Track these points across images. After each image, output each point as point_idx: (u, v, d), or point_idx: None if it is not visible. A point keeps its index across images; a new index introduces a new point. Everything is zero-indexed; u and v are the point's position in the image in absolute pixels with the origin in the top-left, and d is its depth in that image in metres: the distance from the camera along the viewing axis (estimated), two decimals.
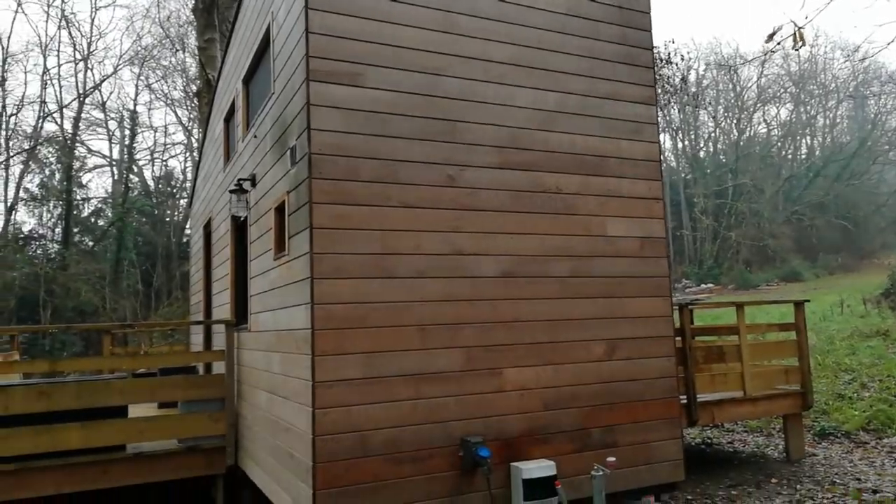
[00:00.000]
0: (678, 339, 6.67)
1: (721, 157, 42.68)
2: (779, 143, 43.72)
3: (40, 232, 29.84)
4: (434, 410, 4.05)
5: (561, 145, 4.67)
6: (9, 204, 28.30)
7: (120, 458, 5.53)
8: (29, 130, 29.22)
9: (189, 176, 32.47)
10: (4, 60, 31.57)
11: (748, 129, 42.91)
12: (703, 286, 32.75)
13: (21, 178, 28.75)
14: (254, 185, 5.54)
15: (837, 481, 6.66)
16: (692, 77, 38.42)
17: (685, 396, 6.65)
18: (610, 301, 4.73)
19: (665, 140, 41.62)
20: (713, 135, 43.35)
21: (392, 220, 4.10)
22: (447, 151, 4.31)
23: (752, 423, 9.38)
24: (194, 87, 28.11)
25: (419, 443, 3.99)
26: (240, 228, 6.51)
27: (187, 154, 32.77)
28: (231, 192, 5.70)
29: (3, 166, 27.75)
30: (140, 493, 5.93)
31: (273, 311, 4.76)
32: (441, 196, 4.27)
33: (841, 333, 13.92)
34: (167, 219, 31.80)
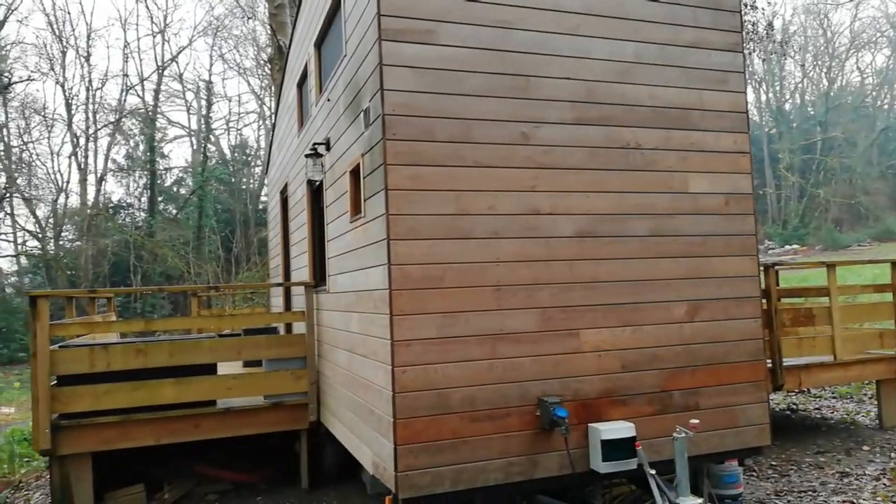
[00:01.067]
0: (763, 301, 6.38)
1: (809, 109, 40.07)
2: (874, 93, 40.59)
3: (128, 201, 31.58)
4: (510, 370, 4.05)
5: (639, 98, 4.47)
6: (99, 175, 30.00)
7: (211, 413, 5.86)
8: (113, 104, 30.75)
9: (262, 144, 33.37)
10: (89, 36, 33.14)
11: (839, 78, 40.04)
12: (787, 247, 31.21)
13: (108, 149, 30.34)
14: (328, 148, 5.61)
15: None
16: (777, 24, 35.98)
17: (770, 360, 6.41)
18: (693, 261, 4.56)
19: (748, 92, 39.40)
20: (800, 85, 40.72)
21: (466, 181, 4.06)
22: (521, 108, 4.21)
23: (841, 389, 8.97)
24: (265, 56, 28.66)
25: (496, 402, 4.01)
26: (315, 192, 6.64)
27: (260, 122, 33.65)
28: (306, 156, 5.80)
29: (92, 139, 29.35)
30: (229, 446, 6.27)
31: (350, 273, 4.85)
32: (515, 154, 4.19)
33: None
34: (243, 187, 32.92)
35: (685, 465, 3.71)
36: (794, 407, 8.53)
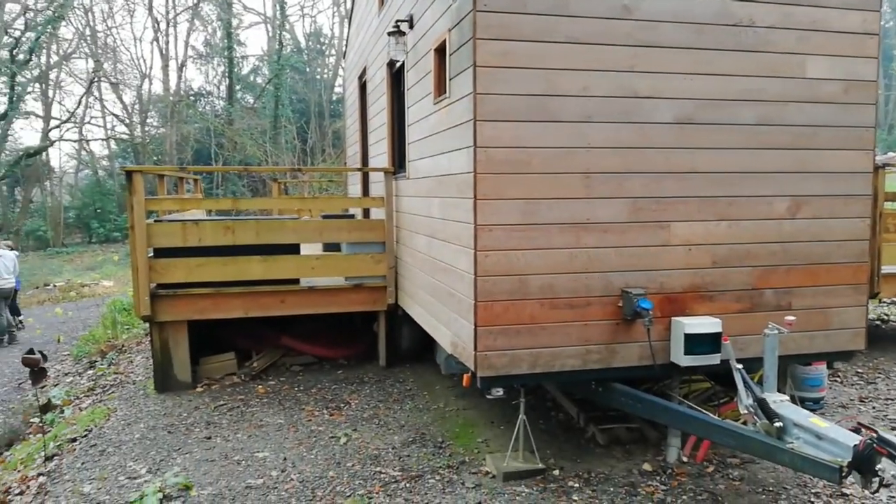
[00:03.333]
0: None
1: None
2: None
3: (207, 89, 32.15)
4: (594, 260, 3.96)
5: None
6: (180, 62, 30.47)
7: (295, 290, 6.12)
8: None
9: (336, 33, 32.78)
10: None
11: None
12: (890, 154, 28.79)
13: (188, 35, 30.57)
14: (411, 26, 5.37)
15: None
16: None
17: (869, 267, 6.04)
18: (801, 153, 4.21)
19: None
20: None
21: (559, 58, 3.81)
22: None
23: None
24: None
25: (577, 290, 3.95)
26: (396, 75, 6.47)
27: (334, 10, 32.87)
28: (389, 34, 5.59)
29: (172, 24, 29.58)
30: (313, 324, 6.59)
31: (433, 157, 4.77)
32: (615, 30, 3.87)
33: None
34: (318, 77, 32.78)
35: (774, 363, 3.60)
36: (886, 317, 8.14)
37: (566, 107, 3.85)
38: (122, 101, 29.86)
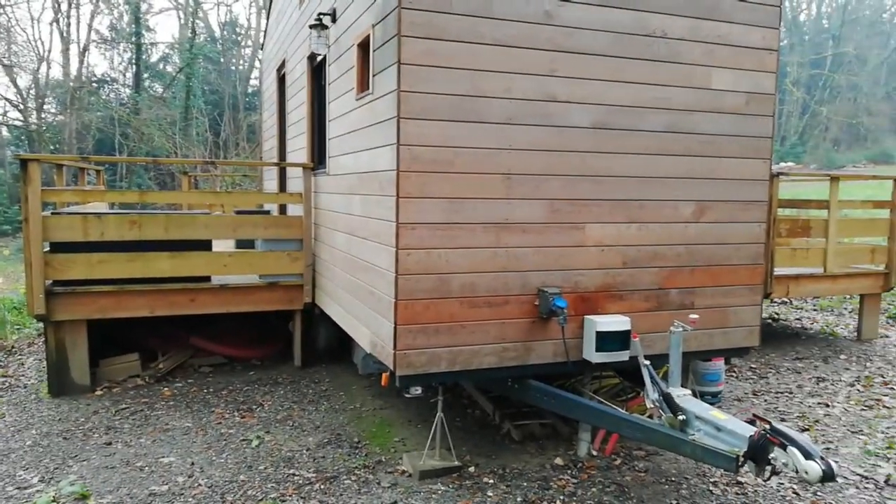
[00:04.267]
0: None
1: (824, 21, 38.60)
2: (893, 8, 39.04)
3: (112, 76, 30.37)
4: (513, 260, 4.03)
5: None
6: (82, 46, 28.61)
7: (206, 288, 5.87)
8: None
9: (253, 24, 31.79)
10: None
11: None
12: (782, 164, 31.05)
13: (91, 18, 28.78)
14: (334, 20, 5.28)
15: None
16: None
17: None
18: (706, 160, 4.45)
19: None
20: None
21: (483, 59, 3.85)
22: None
23: (822, 302, 9.20)
24: None
25: (496, 289, 4.01)
26: (317, 69, 6.34)
27: (252, 0, 31.85)
28: (311, 27, 5.47)
29: (74, 5, 27.73)
30: (225, 324, 6.35)
31: (354, 154, 4.70)
32: (537, 35, 3.96)
33: None
34: (233, 68, 31.67)
35: (679, 359, 3.79)
36: (776, 316, 8.76)
37: (490, 108, 3.90)
38: (15, 86, 27.65)
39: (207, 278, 5.93)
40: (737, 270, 4.64)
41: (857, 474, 4.04)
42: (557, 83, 4.04)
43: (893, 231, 7.38)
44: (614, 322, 4.08)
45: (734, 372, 6.14)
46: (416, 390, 3.93)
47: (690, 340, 4.41)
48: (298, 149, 7.19)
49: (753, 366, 6.39)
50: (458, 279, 3.92)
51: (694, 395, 4.97)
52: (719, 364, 5.22)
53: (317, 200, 6.10)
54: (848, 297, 8.68)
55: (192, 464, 4.13)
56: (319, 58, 5.93)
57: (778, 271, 6.80)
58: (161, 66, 30.81)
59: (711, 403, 5.19)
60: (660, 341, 4.34)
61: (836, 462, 4.17)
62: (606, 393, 4.92)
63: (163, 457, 4.24)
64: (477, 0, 3.79)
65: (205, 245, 5.97)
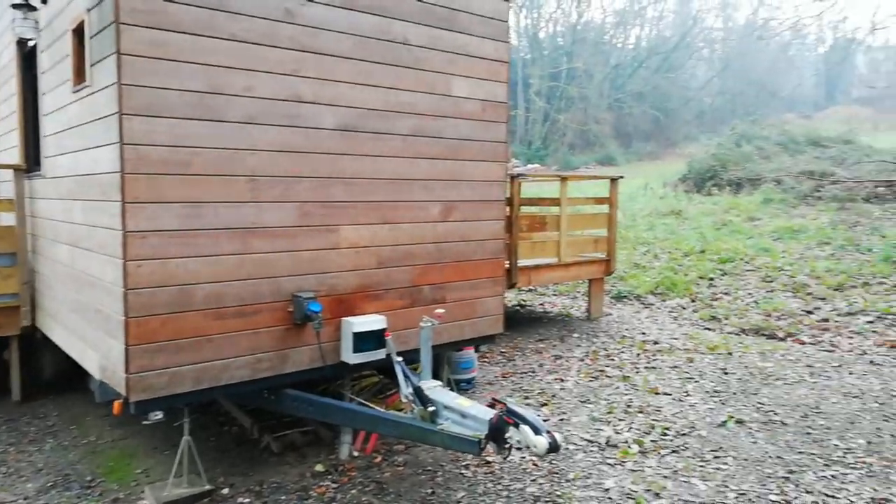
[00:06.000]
0: (506, 208, 6.96)
1: (559, 39, 43.70)
2: (611, 31, 45.60)
3: None
4: (263, 266, 3.87)
5: None
6: None
7: None
8: None
9: None
10: None
11: (587, 13, 44.12)
12: (529, 166, 34.49)
13: None
14: (44, 1, 4.58)
15: (626, 335, 7.65)
16: None
17: (507, 261, 7.09)
18: (451, 163, 4.72)
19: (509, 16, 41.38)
20: (554, 15, 43.99)
21: (221, 55, 3.61)
22: None
23: (561, 287, 10.37)
24: None
25: (246, 298, 3.81)
26: (28, 56, 5.46)
27: None
28: (14, 6, 4.68)
29: None
30: None
31: (73, 154, 4.13)
32: (278, 33, 3.82)
33: (643, 212, 15.58)
34: None
35: (429, 352, 3.96)
36: (524, 303, 9.68)
37: (230, 106, 3.68)
38: None
39: None
40: (481, 265, 5.00)
41: (585, 439, 4.61)
42: (304, 83, 3.96)
43: (611, 223, 8.58)
44: (370, 322, 4.14)
45: (487, 358, 6.64)
46: (157, 415, 3.58)
47: (443, 333, 4.64)
48: (10, 147, 6.13)
49: (503, 350, 6.98)
50: (201, 290, 3.64)
51: (449, 383, 5.29)
52: (471, 352, 5.62)
53: (34, 207, 5.26)
54: (580, 281, 9.90)
55: None
56: (30, 43, 5.11)
57: (521, 262, 7.49)
58: None
59: (466, 389, 5.59)
60: (416, 337, 4.46)
61: (567, 431, 4.72)
62: (368, 392, 4.99)
63: None
64: None
65: None
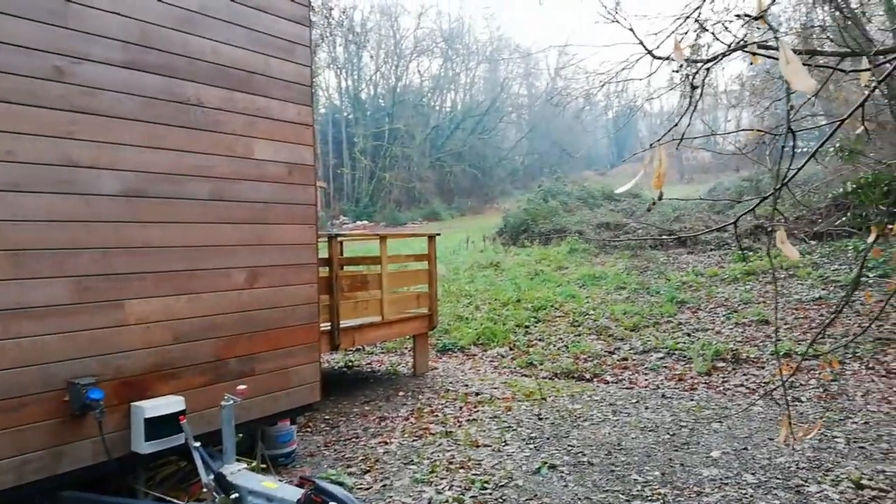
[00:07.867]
0: (326, 268, 6.86)
1: (380, 100, 45.17)
2: (429, 94, 48.09)
3: None
4: (30, 351, 3.38)
5: (203, 53, 4.20)
6: None
7: None
8: None
9: None
10: None
11: (405, 76, 46.17)
12: (358, 223, 34.73)
13: None
14: None
15: (451, 388, 7.78)
16: (357, 17, 39.46)
17: (329, 323, 6.94)
18: (255, 227, 4.54)
19: (330, 77, 42.19)
20: (374, 77, 45.51)
21: None
22: (55, 37, 3.50)
23: (389, 344, 10.35)
24: None
25: (7, 391, 3.29)
26: None
27: None
28: None
29: None
30: None
31: None
32: (47, 92, 3.47)
33: (464, 265, 16.23)
34: None
35: (232, 433, 3.67)
36: (351, 364, 9.50)
37: None
38: None
39: None
40: (294, 331, 4.81)
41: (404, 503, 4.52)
42: (80, 147, 3.61)
43: (432, 279, 8.79)
44: (164, 405, 3.76)
45: (310, 426, 6.35)
46: None
47: (252, 408, 4.36)
48: None
49: (327, 416, 6.73)
50: None
51: (265, 460, 4.95)
52: (288, 425, 5.33)
53: None
54: (406, 337, 9.96)
55: None
56: None
57: (344, 323, 7.36)
58: None
59: (285, 464, 5.27)
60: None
61: (389, 498, 4.60)
62: (171, 480, 4.50)
63: None
64: None
65: None
